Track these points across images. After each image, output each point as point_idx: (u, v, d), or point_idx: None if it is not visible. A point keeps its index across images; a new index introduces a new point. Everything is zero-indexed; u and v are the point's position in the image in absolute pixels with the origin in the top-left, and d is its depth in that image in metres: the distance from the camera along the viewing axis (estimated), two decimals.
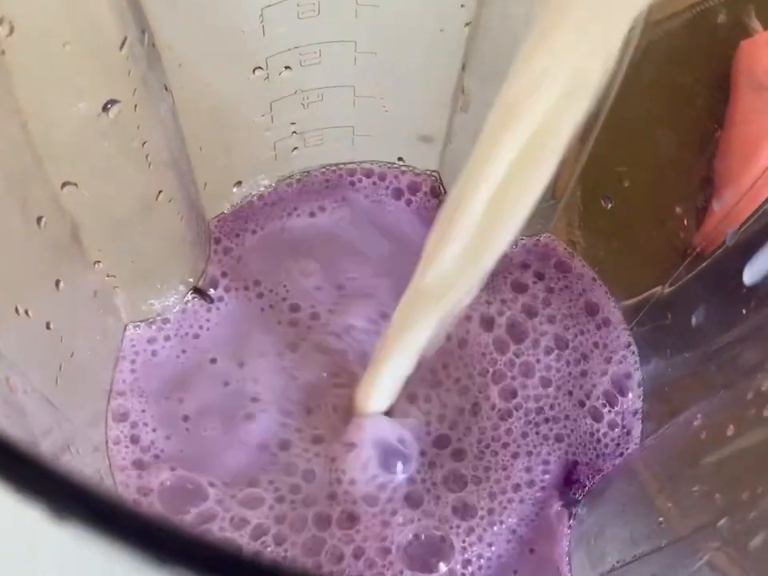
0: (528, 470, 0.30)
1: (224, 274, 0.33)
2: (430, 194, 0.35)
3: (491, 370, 0.31)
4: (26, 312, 0.24)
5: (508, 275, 0.33)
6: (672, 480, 0.22)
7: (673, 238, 0.28)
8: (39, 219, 0.23)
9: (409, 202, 0.35)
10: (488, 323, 0.32)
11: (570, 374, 0.32)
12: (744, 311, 0.25)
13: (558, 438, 0.30)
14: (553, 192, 0.32)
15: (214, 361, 0.32)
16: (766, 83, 0.24)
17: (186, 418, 0.31)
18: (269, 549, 0.28)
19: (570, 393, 0.31)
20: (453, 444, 0.30)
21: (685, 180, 0.28)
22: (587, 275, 0.34)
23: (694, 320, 0.28)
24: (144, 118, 0.25)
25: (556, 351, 0.32)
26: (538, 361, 0.32)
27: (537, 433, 0.30)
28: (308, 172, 0.35)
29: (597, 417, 0.31)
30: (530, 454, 0.30)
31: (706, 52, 0.26)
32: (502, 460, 0.30)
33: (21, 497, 0.08)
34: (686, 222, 0.28)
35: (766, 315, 0.23)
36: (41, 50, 0.21)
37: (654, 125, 0.27)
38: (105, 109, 0.23)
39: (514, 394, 0.31)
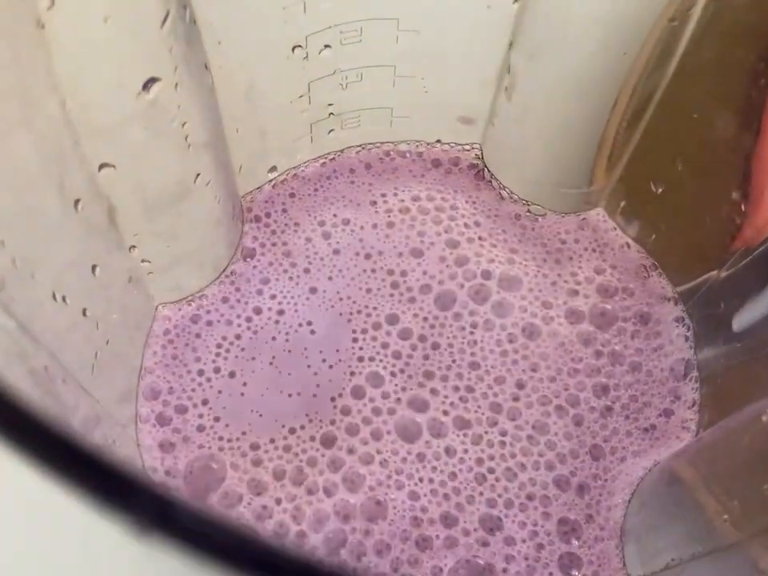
0: None
1: (262, 245, 0.32)
2: (471, 171, 0.34)
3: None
4: (63, 299, 0.23)
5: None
6: (738, 477, 0.21)
7: (728, 223, 0.27)
8: (77, 202, 0.23)
9: (449, 171, 0.34)
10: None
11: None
12: None
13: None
14: (597, 176, 0.31)
15: (251, 323, 0.31)
16: None
17: (218, 392, 0.30)
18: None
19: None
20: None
21: (742, 163, 0.26)
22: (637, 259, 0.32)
23: (747, 309, 0.27)
24: (184, 98, 0.24)
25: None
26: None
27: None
28: (341, 151, 0.34)
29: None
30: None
31: None
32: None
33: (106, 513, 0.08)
34: (742, 207, 0.26)
35: None
36: (81, 25, 0.20)
37: (712, 105, 0.26)
38: (145, 87, 0.22)
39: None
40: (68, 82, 0.21)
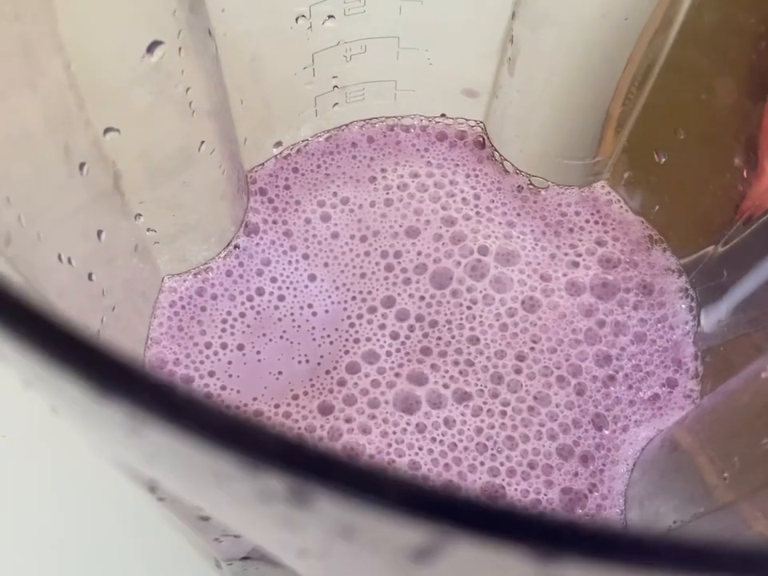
0: None
1: (264, 221, 0.33)
2: (474, 145, 0.34)
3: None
4: (69, 260, 0.23)
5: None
6: (738, 435, 0.21)
7: (731, 191, 0.27)
8: (82, 165, 0.23)
9: (453, 145, 0.34)
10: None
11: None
12: None
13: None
14: (600, 148, 0.31)
15: (253, 302, 0.31)
16: None
17: (227, 363, 0.30)
18: None
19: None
20: None
21: (744, 129, 0.26)
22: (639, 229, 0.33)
23: (750, 278, 0.27)
24: (188, 63, 0.24)
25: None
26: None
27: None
28: (345, 126, 0.35)
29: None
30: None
31: None
32: None
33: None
34: (745, 173, 0.26)
35: None
36: None
37: (713, 70, 0.26)
38: (149, 50, 0.23)
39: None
40: (72, 44, 0.21)
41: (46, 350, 0.08)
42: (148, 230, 0.28)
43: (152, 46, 0.23)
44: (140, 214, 0.27)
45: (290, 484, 0.07)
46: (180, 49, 0.23)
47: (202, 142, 0.27)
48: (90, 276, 0.25)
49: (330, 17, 0.29)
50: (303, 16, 0.28)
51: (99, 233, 0.25)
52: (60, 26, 0.20)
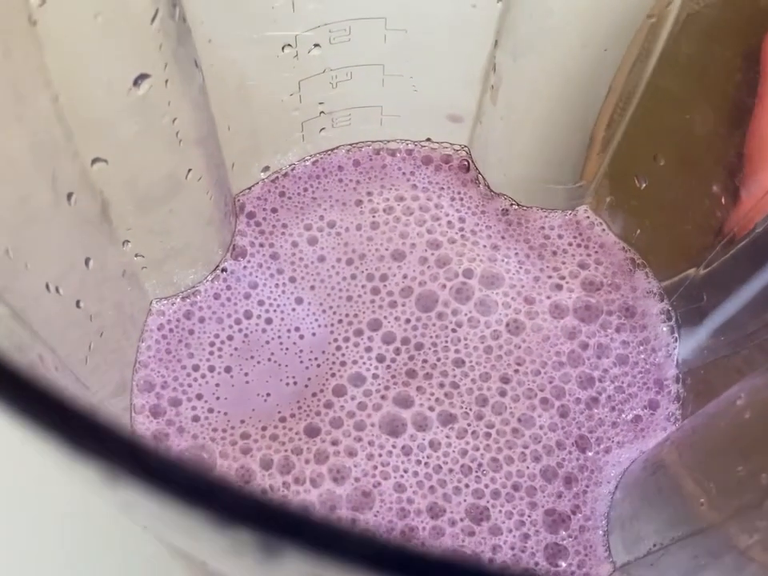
0: None
1: (252, 245, 0.33)
2: (459, 169, 0.35)
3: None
4: (57, 289, 0.23)
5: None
6: (714, 460, 0.22)
7: (709, 217, 0.28)
8: (69, 195, 0.23)
9: (438, 168, 0.35)
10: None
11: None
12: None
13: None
14: (583, 173, 0.32)
15: (241, 326, 0.32)
16: None
17: (215, 385, 0.31)
18: None
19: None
20: None
21: (722, 157, 0.27)
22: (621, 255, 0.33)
23: (730, 302, 0.28)
24: (175, 94, 0.25)
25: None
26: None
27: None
28: (331, 150, 0.35)
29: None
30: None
31: (747, 24, 0.25)
32: None
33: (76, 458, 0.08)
34: (723, 200, 0.27)
35: None
36: (72, 21, 0.21)
37: (691, 101, 0.27)
38: (135, 83, 0.23)
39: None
40: (60, 78, 0.21)
41: (18, 406, 0.08)
42: (136, 255, 0.29)
43: (139, 79, 0.23)
44: (128, 241, 0.28)
45: (259, 539, 0.08)
46: (166, 81, 0.24)
47: (189, 170, 0.27)
48: (77, 303, 0.25)
49: (315, 45, 0.29)
50: (289, 45, 0.29)
51: (87, 260, 0.25)
52: (48, 60, 0.21)
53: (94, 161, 0.24)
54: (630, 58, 0.26)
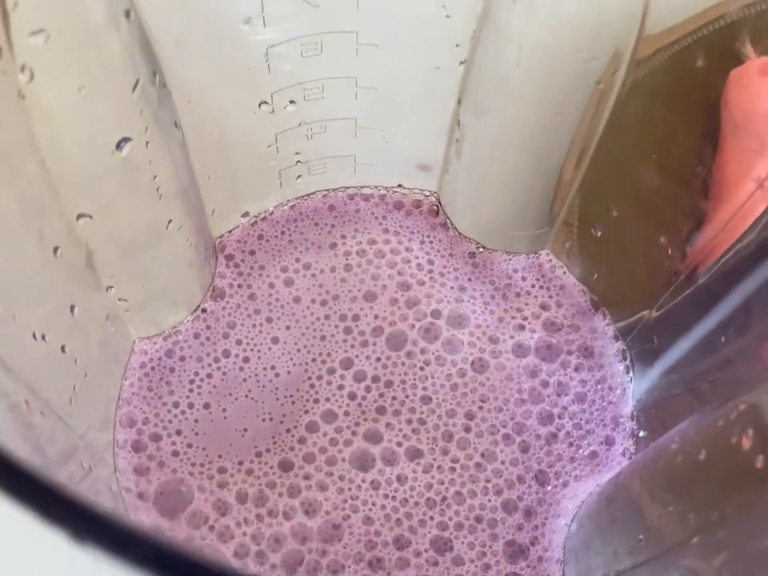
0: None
1: (230, 286, 0.35)
2: (429, 213, 0.37)
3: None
4: (43, 337, 0.25)
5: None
6: (653, 498, 0.23)
7: (659, 266, 0.30)
8: (56, 249, 0.25)
9: (409, 213, 0.37)
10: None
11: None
12: (722, 339, 0.26)
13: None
14: (544, 220, 0.34)
15: (219, 364, 0.33)
16: (741, 123, 0.25)
17: (194, 421, 0.32)
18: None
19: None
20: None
21: (669, 212, 0.29)
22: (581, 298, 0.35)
23: (678, 345, 0.30)
24: (155, 154, 0.26)
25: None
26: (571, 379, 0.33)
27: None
28: (308, 195, 0.37)
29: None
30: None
31: (691, 89, 0.27)
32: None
33: (44, 522, 0.10)
34: (670, 251, 0.29)
35: (737, 347, 0.24)
36: (57, 95, 0.22)
37: (639, 159, 0.28)
38: (118, 146, 0.25)
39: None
40: (47, 145, 0.23)
41: None
42: (119, 299, 0.30)
43: (121, 143, 0.25)
44: (111, 286, 0.29)
45: None
46: (147, 142, 0.26)
47: (170, 221, 0.29)
48: (62, 348, 0.26)
49: (291, 102, 0.31)
50: (266, 102, 0.31)
51: (72, 307, 0.27)
52: (35, 130, 0.22)
53: (79, 216, 0.26)
54: (582, 120, 0.28)
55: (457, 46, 0.29)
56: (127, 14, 0.23)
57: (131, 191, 0.26)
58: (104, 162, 0.25)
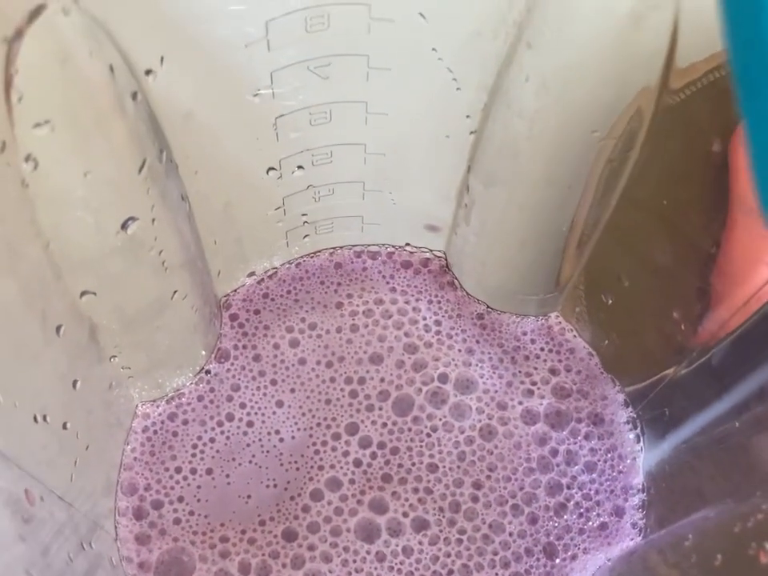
0: None
1: (235, 347, 0.34)
2: (437, 272, 0.36)
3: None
4: (44, 418, 0.25)
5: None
6: None
7: (671, 339, 0.29)
8: (58, 328, 0.25)
9: (417, 272, 0.36)
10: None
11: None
12: (736, 424, 0.25)
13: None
14: (554, 284, 0.33)
15: (223, 428, 0.33)
16: (751, 202, 0.24)
17: (197, 488, 0.32)
18: None
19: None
20: None
21: (681, 289, 0.28)
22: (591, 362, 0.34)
23: (691, 421, 0.29)
24: (161, 229, 0.26)
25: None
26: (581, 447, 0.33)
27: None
28: (315, 253, 0.36)
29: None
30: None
31: (702, 167, 0.27)
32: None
33: None
34: (683, 327, 0.28)
35: (745, 420, 0.24)
36: (62, 182, 0.22)
37: (650, 236, 0.28)
38: (123, 226, 0.24)
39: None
40: (50, 229, 0.23)
41: None
42: (123, 367, 0.30)
43: (127, 222, 0.24)
44: (115, 356, 0.29)
45: None
46: (153, 220, 0.25)
47: (175, 291, 0.29)
48: (64, 425, 0.26)
49: (299, 167, 0.31)
50: (273, 168, 0.30)
51: (75, 382, 0.26)
52: (38, 216, 0.22)
53: (83, 293, 0.25)
54: (594, 195, 0.28)
55: (467, 117, 0.28)
56: (134, 95, 0.23)
57: (136, 267, 0.26)
58: (109, 241, 0.24)
